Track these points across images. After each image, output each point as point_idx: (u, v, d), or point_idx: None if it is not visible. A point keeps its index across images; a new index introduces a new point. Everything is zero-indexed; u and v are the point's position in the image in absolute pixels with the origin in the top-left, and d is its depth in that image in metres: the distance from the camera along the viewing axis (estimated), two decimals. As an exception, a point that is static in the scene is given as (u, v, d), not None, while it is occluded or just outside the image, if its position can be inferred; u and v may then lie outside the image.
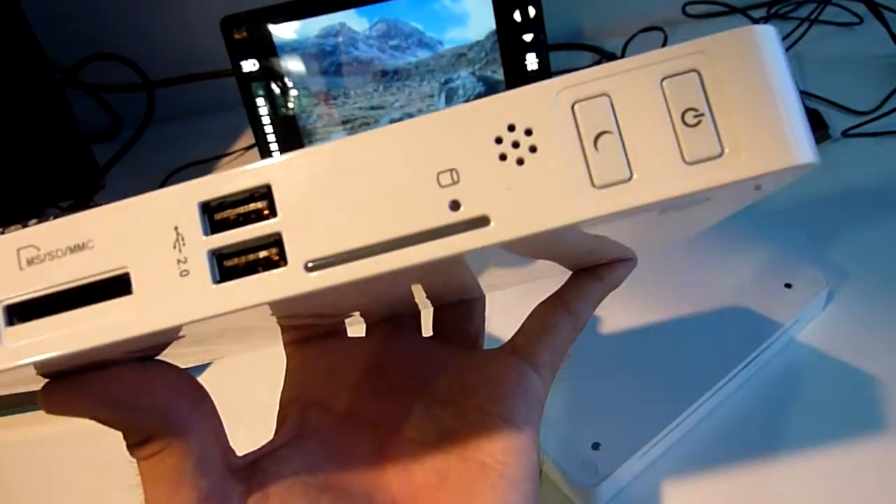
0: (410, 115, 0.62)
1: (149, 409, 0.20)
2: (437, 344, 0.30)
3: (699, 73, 0.15)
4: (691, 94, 0.15)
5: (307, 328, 0.28)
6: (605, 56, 0.74)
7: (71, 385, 0.19)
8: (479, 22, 0.60)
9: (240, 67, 0.61)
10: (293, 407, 0.27)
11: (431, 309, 0.31)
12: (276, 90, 0.62)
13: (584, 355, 0.43)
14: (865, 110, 0.61)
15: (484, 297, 0.31)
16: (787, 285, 0.45)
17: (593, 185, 0.15)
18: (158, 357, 0.21)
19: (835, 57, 0.70)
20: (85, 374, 0.19)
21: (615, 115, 0.15)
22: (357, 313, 0.28)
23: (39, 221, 0.54)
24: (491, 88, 0.62)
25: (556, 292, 0.27)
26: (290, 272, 0.16)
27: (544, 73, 0.62)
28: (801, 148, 0.15)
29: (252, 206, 0.17)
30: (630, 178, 0.15)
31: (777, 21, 0.75)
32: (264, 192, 0.16)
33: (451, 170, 0.16)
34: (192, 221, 0.16)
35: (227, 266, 0.16)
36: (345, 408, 0.27)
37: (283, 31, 0.60)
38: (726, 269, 0.47)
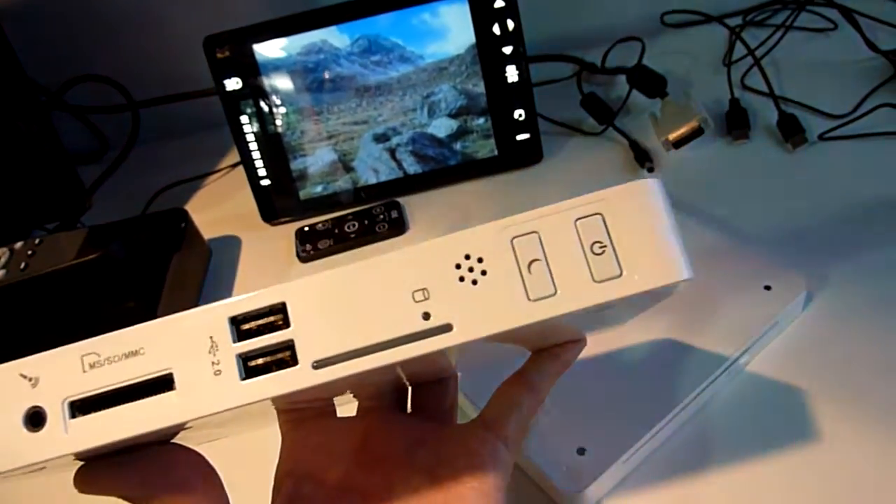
0: (394, 129, 0.63)
1: (172, 487, 0.24)
2: (416, 419, 0.33)
3: (603, 216, 0.20)
4: (597, 231, 0.20)
5: (301, 410, 0.32)
6: (585, 67, 0.75)
7: (106, 467, 0.23)
8: (458, 36, 0.61)
9: (223, 86, 0.62)
10: (288, 480, 0.30)
11: (410, 388, 0.35)
12: (260, 108, 0.62)
13: (568, 362, 0.44)
14: (841, 114, 0.62)
15: (456, 375, 0.35)
16: (767, 287, 0.45)
17: (528, 299, 0.20)
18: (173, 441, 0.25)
19: (810, 62, 0.71)
20: (118, 457, 0.23)
21: (543, 247, 0.21)
22: (349, 394, 0.32)
23: (25, 244, 0.55)
24: (472, 101, 0.63)
25: (519, 371, 0.32)
26: (301, 370, 0.21)
27: (525, 84, 0.63)
28: (678, 268, 0.20)
29: (271, 318, 0.21)
30: (555, 293, 0.20)
31: (753, 28, 0.76)
32: (280, 308, 0.21)
33: (423, 289, 0.21)
34: (224, 332, 0.21)
35: (251, 366, 0.21)
36: (335, 480, 0.30)
37: (265, 50, 0.61)
38: (705, 272, 0.47)
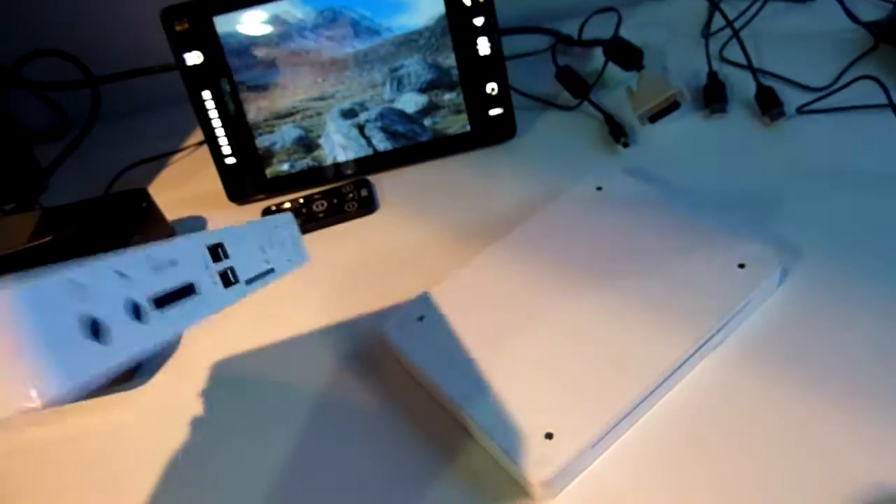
0: (361, 105, 0.61)
1: None
2: None
3: None
4: None
5: None
6: (561, 39, 0.73)
7: None
8: (427, 7, 0.58)
9: (183, 60, 0.59)
10: None
11: None
12: (222, 83, 0.60)
13: (533, 343, 0.43)
14: (821, 86, 0.61)
15: None
16: (741, 265, 0.44)
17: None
18: None
19: (789, 33, 0.69)
20: None
21: None
22: None
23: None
24: (442, 74, 0.61)
25: None
26: None
27: (497, 57, 0.61)
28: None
29: None
30: None
31: (732, -1, 0.74)
32: None
33: None
34: None
35: None
36: None
37: (226, 22, 0.58)
38: (678, 250, 0.46)
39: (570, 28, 0.74)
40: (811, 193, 0.52)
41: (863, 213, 0.49)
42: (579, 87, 0.66)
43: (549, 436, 0.38)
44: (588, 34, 0.72)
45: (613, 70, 0.67)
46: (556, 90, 0.68)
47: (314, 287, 0.54)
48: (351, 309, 0.51)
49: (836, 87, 0.60)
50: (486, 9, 0.59)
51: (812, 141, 0.57)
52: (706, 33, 0.70)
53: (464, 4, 0.59)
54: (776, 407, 0.39)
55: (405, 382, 0.45)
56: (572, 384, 0.40)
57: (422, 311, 0.46)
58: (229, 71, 0.59)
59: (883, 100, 0.55)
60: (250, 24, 0.58)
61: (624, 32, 0.69)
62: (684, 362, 0.41)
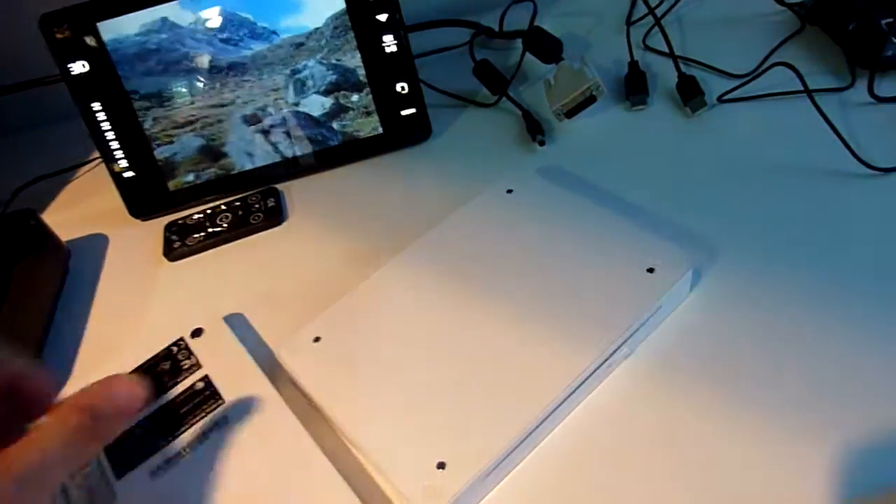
0: (263, 110, 0.57)
1: None
2: None
3: None
4: None
5: None
6: (482, 31, 0.70)
7: None
8: (325, 4, 0.55)
9: (68, 70, 0.55)
10: None
11: None
12: (112, 93, 0.56)
13: (429, 364, 0.40)
14: (744, 73, 0.58)
15: None
16: (650, 270, 0.42)
17: None
18: None
19: (715, 19, 0.67)
20: None
21: None
22: None
23: None
24: (346, 75, 0.57)
25: None
26: None
27: (404, 54, 0.57)
28: None
29: None
30: None
31: (656, -16, 0.72)
32: None
33: None
34: None
35: None
36: None
37: (111, 28, 0.54)
38: (585, 257, 0.43)
39: (491, 20, 0.71)
40: (727, 187, 0.50)
41: (779, 206, 0.47)
42: (497, 83, 0.63)
43: (441, 465, 0.35)
44: (509, 25, 0.69)
45: (534, 63, 0.64)
46: (475, 86, 0.65)
47: (213, 309, 0.50)
48: (251, 331, 0.48)
49: (756, 73, 0.57)
50: (389, 4, 0.56)
51: (731, 131, 0.54)
52: (628, 21, 0.67)
53: (365, 1, 0.55)
54: (691, 421, 0.37)
55: (305, 408, 0.42)
56: (467, 408, 0.37)
57: (318, 332, 0.43)
58: (119, 80, 0.56)
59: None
60: (137, 28, 0.55)
61: (547, 23, 0.66)
62: (587, 378, 0.38)
